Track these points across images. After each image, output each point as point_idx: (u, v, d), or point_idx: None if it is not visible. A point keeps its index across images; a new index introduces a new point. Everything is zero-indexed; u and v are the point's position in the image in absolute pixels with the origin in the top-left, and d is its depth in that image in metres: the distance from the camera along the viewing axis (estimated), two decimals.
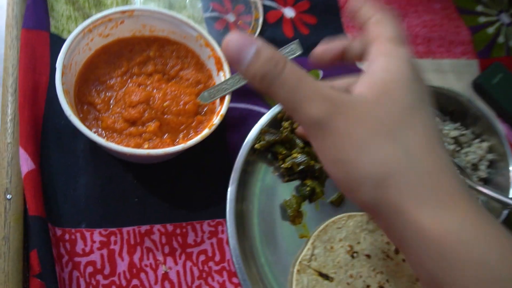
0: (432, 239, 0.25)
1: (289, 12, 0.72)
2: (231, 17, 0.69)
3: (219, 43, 0.56)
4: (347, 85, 0.32)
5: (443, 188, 0.26)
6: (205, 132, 0.49)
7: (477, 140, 0.63)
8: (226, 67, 0.54)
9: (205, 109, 0.55)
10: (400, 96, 0.27)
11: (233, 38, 0.27)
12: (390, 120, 0.26)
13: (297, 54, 0.53)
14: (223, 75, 0.54)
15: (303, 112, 0.26)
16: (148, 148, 0.50)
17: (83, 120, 0.50)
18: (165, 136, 0.52)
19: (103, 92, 0.53)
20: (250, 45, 0.26)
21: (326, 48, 0.35)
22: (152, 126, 0.51)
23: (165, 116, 0.52)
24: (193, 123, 0.53)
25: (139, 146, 0.50)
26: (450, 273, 0.24)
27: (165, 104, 0.52)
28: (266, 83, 0.26)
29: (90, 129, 0.50)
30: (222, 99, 0.53)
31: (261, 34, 0.69)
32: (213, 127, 0.50)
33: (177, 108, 0.52)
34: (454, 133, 0.62)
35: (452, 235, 0.25)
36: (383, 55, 0.29)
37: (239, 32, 0.27)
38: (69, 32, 0.60)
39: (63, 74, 0.47)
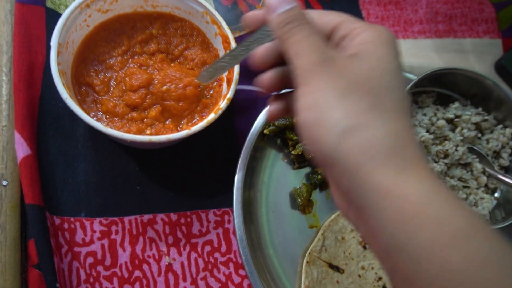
0: (392, 199, 0.25)
1: None
2: None
3: (227, 20, 0.52)
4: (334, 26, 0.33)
5: (407, 152, 0.26)
6: (211, 117, 0.46)
7: (499, 126, 0.59)
8: (234, 46, 0.50)
9: (211, 91, 0.52)
10: (388, 61, 0.29)
11: None
12: (376, 79, 0.28)
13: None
14: None
15: (305, 57, 0.29)
16: (151, 134, 0.47)
17: (81, 103, 0.47)
18: (168, 121, 0.49)
19: (103, 73, 0.50)
20: (289, 2, 0.31)
21: (274, 74, 0.35)
22: (154, 111, 0.48)
23: (166, 102, 0.48)
24: (198, 108, 0.50)
25: (141, 131, 0.47)
26: (409, 231, 0.24)
27: (164, 88, 0.48)
28: (289, 27, 0.30)
29: (89, 113, 0.47)
30: (229, 81, 0.50)
31: None
32: (220, 112, 0.47)
33: (177, 92, 0.48)
34: (476, 119, 0.58)
35: (412, 196, 0.25)
36: (366, 30, 0.30)
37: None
38: (67, 6, 0.56)
39: (58, 53, 0.44)
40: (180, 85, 0.48)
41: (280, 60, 0.35)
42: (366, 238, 0.29)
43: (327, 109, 0.27)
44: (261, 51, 0.35)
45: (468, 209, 0.25)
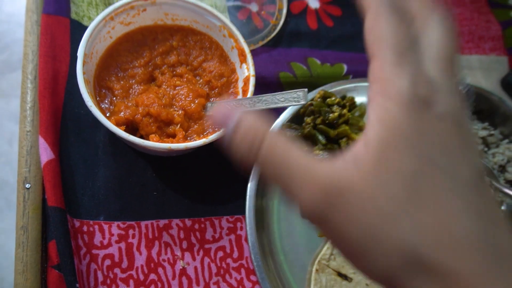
0: None
1: (313, 3, 0.70)
2: (254, 7, 0.67)
3: (243, 33, 0.54)
4: None
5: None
6: None
7: (505, 141, 0.61)
8: (249, 59, 0.52)
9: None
10: (399, 163, 0.21)
11: (217, 108, 0.27)
12: (390, 207, 0.22)
13: (300, 104, 0.46)
14: (246, 67, 0.53)
15: (302, 199, 0.23)
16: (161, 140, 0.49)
17: (99, 105, 0.50)
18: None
19: (124, 79, 0.52)
20: (231, 116, 0.26)
21: None
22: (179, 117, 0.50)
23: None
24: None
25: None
26: None
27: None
28: (252, 156, 0.25)
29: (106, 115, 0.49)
30: (244, 92, 0.52)
31: (285, 25, 0.67)
32: None
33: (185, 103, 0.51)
34: (482, 133, 0.60)
35: None
36: (379, 94, 0.21)
37: (224, 103, 0.28)
38: (90, 18, 0.59)
39: (84, 63, 0.46)
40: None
41: None
42: None
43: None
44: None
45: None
